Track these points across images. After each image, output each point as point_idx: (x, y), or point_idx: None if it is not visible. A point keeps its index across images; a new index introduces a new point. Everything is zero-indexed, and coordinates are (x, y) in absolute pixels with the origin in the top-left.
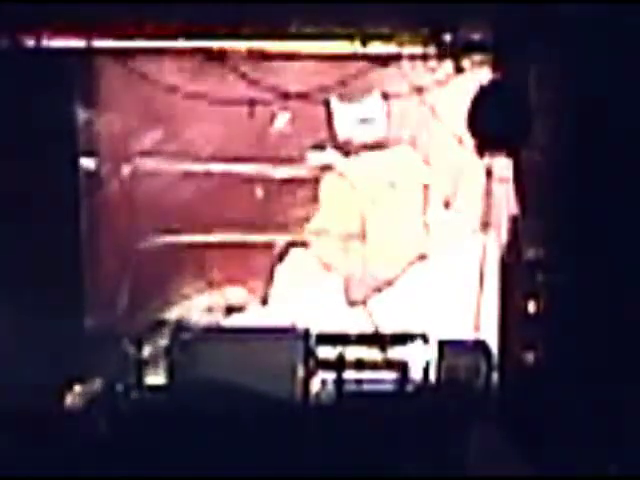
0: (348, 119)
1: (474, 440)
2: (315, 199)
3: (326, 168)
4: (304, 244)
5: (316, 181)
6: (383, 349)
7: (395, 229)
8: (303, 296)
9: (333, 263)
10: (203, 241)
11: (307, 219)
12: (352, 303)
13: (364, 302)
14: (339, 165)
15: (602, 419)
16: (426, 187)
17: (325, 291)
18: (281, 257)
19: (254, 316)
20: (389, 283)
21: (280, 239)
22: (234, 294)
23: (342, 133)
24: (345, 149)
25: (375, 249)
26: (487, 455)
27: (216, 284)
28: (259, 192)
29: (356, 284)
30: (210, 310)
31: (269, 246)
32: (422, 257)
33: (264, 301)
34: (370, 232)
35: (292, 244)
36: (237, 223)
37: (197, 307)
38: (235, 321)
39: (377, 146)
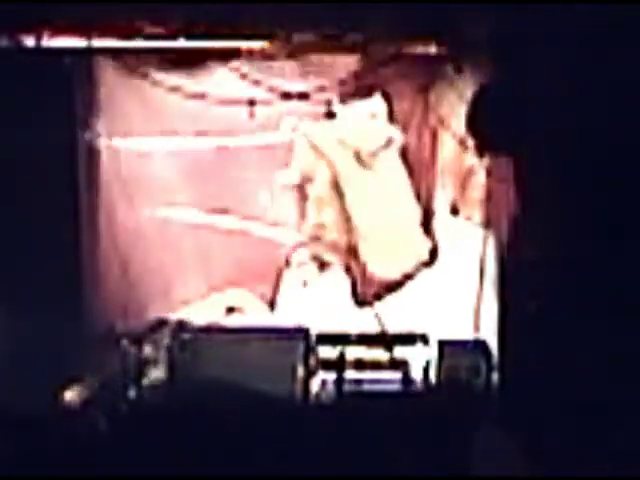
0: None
1: (474, 440)
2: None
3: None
4: (308, 245)
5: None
6: (389, 349)
7: (397, 230)
8: (306, 296)
9: (337, 263)
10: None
11: (310, 219)
12: (360, 304)
13: (371, 303)
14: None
15: (602, 419)
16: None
17: (328, 291)
18: (287, 259)
19: (256, 316)
20: (399, 284)
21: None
22: (238, 296)
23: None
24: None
25: (379, 250)
26: (487, 455)
27: (219, 285)
28: (264, 195)
29: (363, 285)
30: (211, 311)
31: (275, 247)
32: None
33: (271, 304)
34: (374, 232)
35: (298, 244)
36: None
37: (198, 307)
38: (236, 321)
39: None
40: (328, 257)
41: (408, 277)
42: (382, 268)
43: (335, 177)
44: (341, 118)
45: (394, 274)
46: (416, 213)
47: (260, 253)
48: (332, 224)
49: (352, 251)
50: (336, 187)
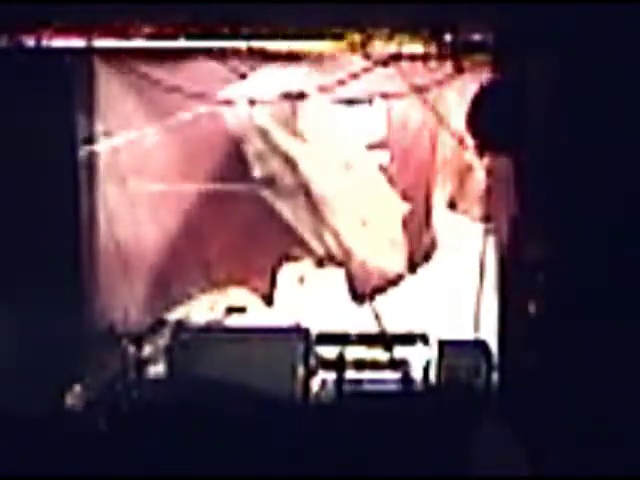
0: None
1: (474, 440)
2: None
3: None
4: (306, 243)
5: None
6: (388, 349)
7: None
8: (305, 295)
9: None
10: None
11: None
12: (358, 301)
13: (370, 300)
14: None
15: (602, 419)
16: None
17: (325, 287)
18: (287, 257)
19: (256, 315)
20: (395, 282)
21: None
22: (237, 295)
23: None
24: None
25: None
26: (487, 455)
27: (220, 284)
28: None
29: (361, 282)
30: (212, 310)
31: (274, 247)
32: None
33: (269, 302)
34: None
35: (297, 244)
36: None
37: (198, 307)
38: (236, 320)
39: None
40: (283, 208)
41: (411, 267)
42: (382, 263)
43: (264, 132)
44: (253, 81)
45: (394, 270)
46: (384, 186)
47: (263, 251)
48: (282, 171)
49: (321, 220)
50: (271, 141)
